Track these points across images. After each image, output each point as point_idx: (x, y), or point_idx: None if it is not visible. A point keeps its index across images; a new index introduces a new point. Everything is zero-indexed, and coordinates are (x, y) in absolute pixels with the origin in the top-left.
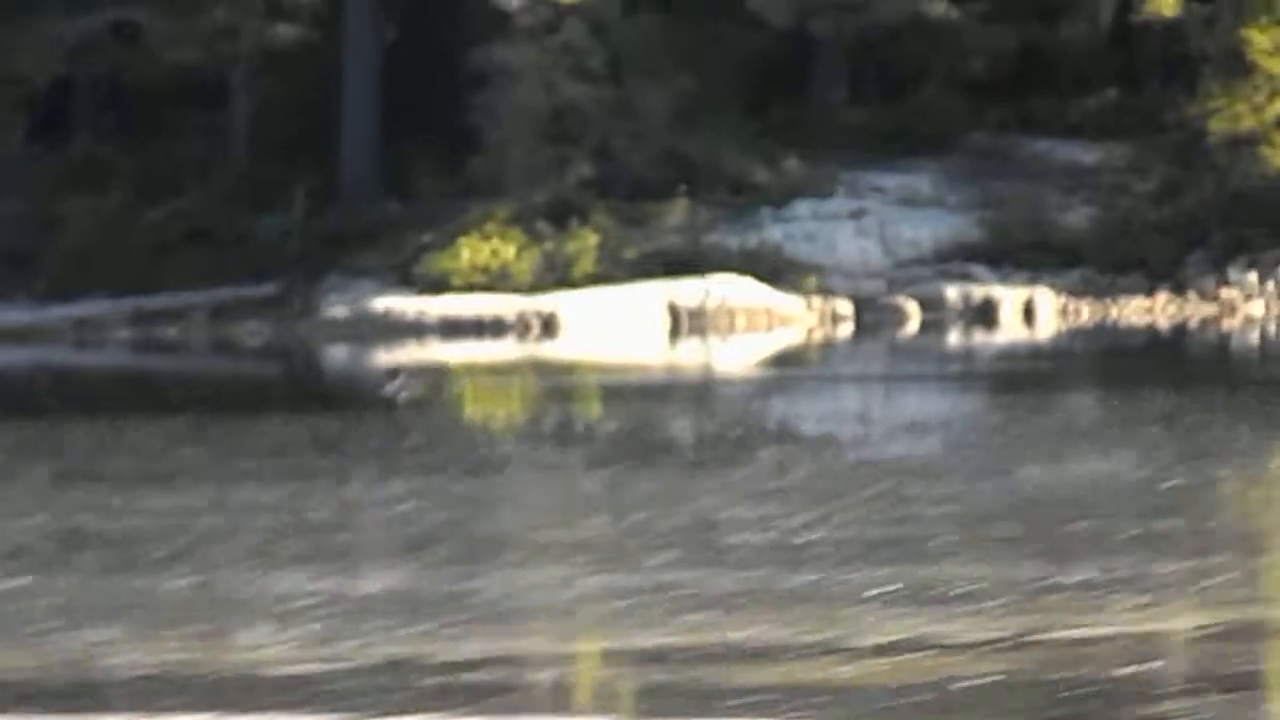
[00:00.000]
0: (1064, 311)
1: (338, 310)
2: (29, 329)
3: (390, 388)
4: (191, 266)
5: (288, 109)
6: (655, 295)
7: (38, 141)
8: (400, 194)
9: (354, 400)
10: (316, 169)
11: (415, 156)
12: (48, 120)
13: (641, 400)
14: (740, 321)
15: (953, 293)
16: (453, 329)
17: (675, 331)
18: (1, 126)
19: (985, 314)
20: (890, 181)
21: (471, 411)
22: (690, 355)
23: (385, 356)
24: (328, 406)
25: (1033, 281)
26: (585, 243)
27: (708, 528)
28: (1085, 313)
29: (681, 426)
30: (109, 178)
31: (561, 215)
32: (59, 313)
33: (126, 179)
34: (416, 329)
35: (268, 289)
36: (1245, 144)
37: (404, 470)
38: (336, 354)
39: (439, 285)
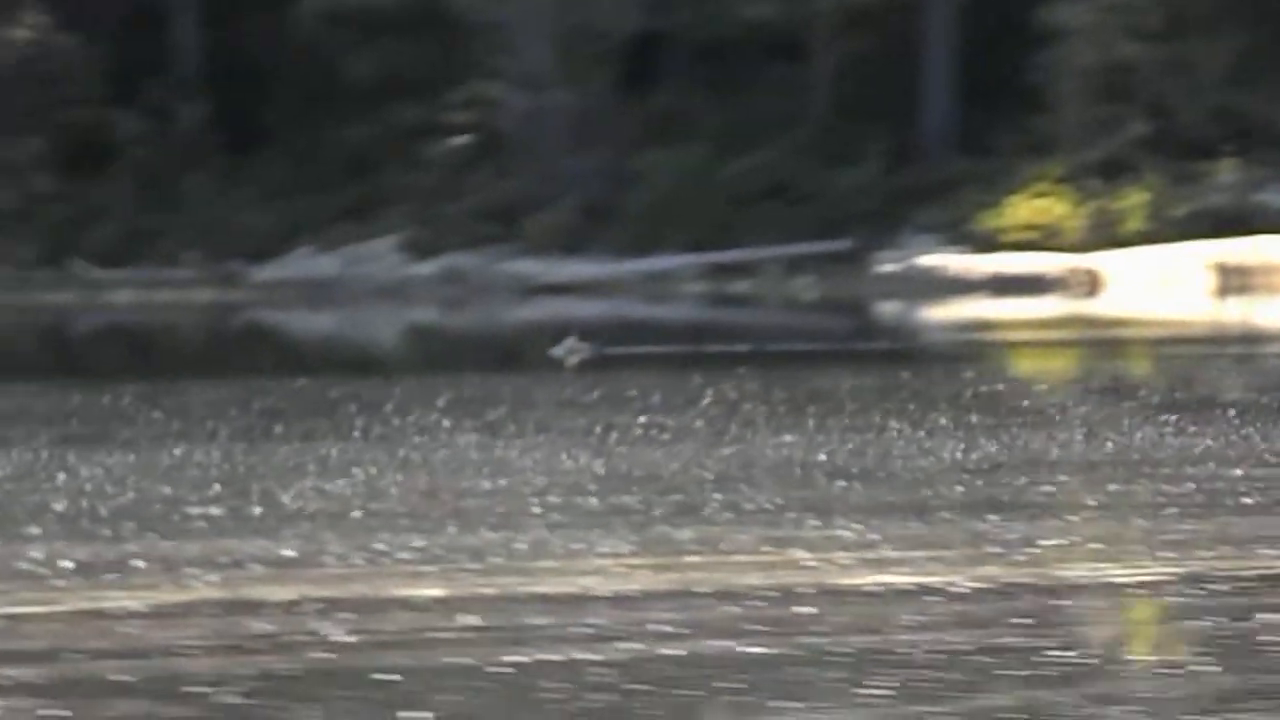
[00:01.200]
0: None
1: (889, 266)
2: (604, 282)
3: (559, 350)
4: (767, 221)
5: (867, 66)
6: (1200, 253)
7: (622, 95)
8: (971, 152)
9: (917, 354)
10: (894, 126)
11: (987, 115)
12: (633, 73)
13: (1188, 357)
14: None
15: None
16: (999, 286)
17: (1221, 290)
18: (585, 80)
19: None
20: None
21: (1023, 367)
22: (1235, 313)
23: (930, 312)
24: (894, 359)
25: None
26: (1135, 200)
27: None
28: None
29: (1233, 384)
30: (690, 132)
31: (1113, 173)
32: (634, 266)
33: (708, 133)
34: (963, 285)
35: (841, 244)
36: None
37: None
38: (888, 309)
39: (990, 243)
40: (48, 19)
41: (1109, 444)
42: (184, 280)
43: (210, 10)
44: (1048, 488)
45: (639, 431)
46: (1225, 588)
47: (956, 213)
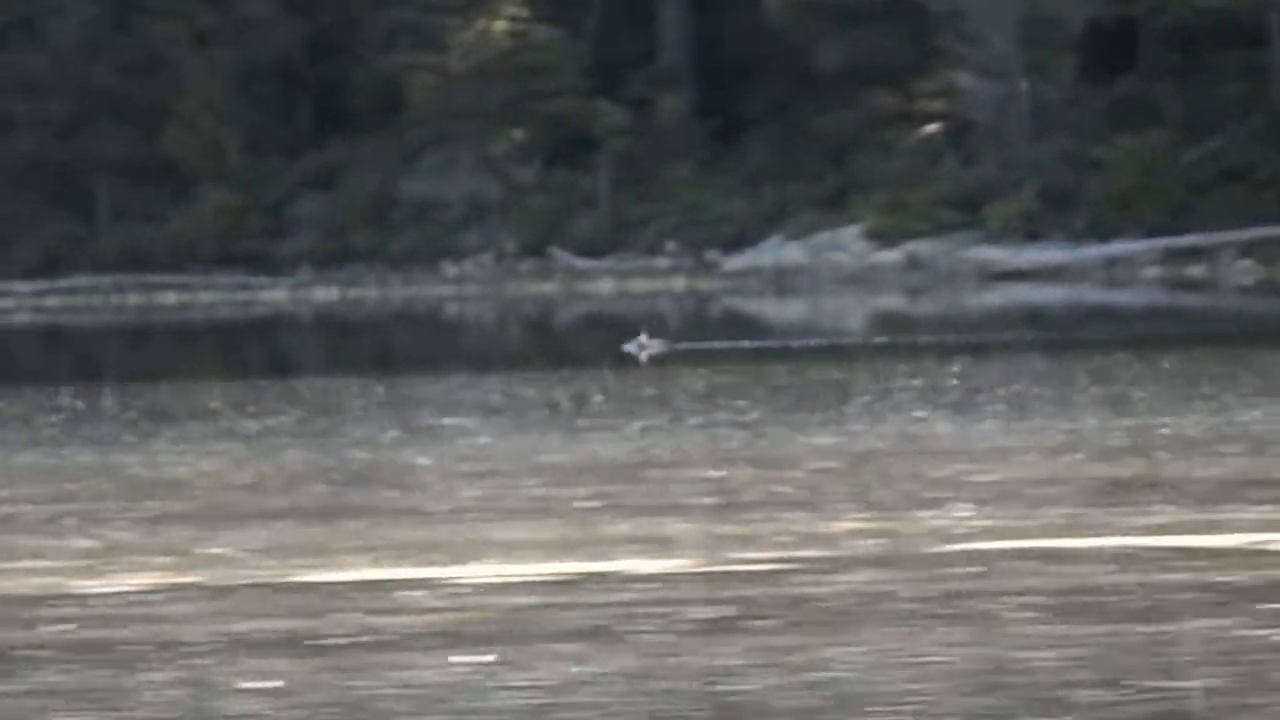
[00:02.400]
0: None
1: None
2: (1063, 267)
3: (631, 346)
4: (1227, 206)
5: None
6: None
7: (1083, 83)
8: None
9: None
10: None
11: None
12: (1094, 61)
13: None
14: None
15: None
16: None
17: None
18: (1046, 68)
19: None
20: None
21: None
22: None
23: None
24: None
25: None
26: None
27: None
28: None
29: None
30: (1151, 119)
31: None
32: (1094, 252)
33: (1169, 120)
34: None
35: None
36: None
37: None
38: None
39: None
40: (528, 11)
41: None
42: (661, 269)
43: (693, 1)
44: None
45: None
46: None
47: None
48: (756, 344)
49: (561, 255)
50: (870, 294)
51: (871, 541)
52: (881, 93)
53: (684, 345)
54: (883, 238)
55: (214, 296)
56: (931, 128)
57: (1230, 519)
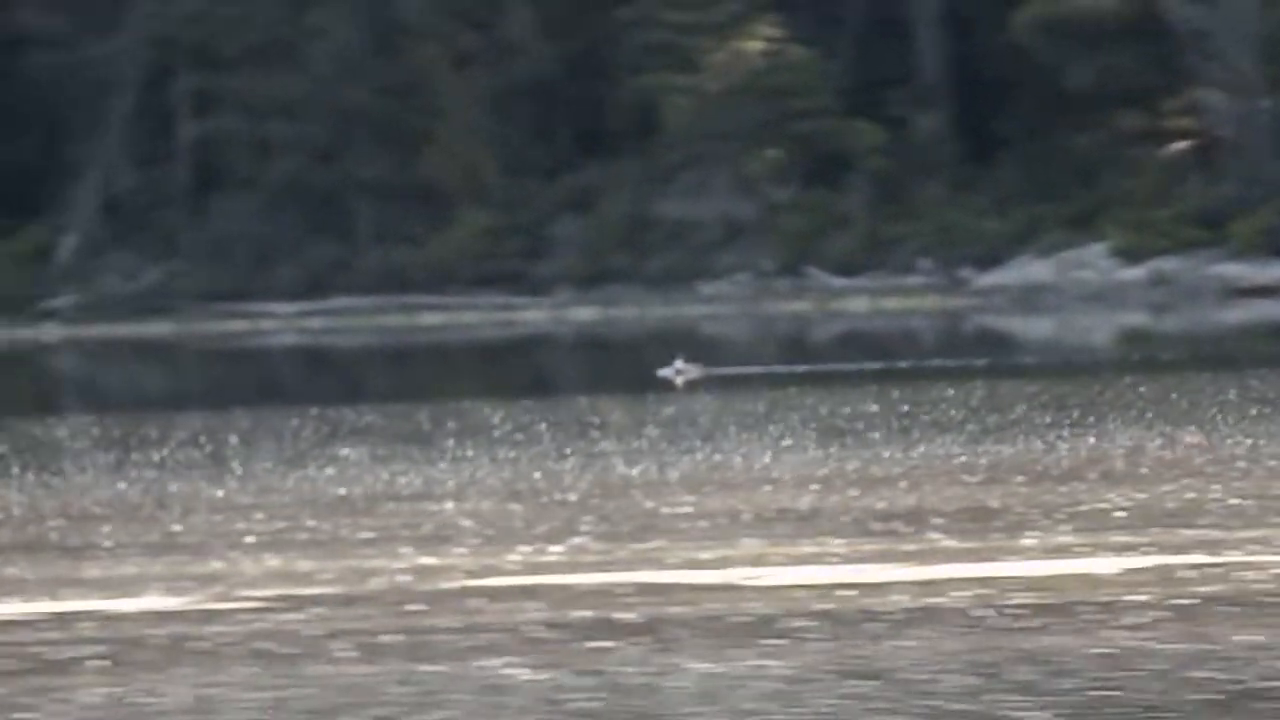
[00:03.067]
0: None
1: None
2: None
3: (667, 371)
4: None
5: None
6: None
7: None
8: None
9: None
10: None
11: None
12: None
13: None
14: None
15: None
16: None
17: None
18: None
19: None
20: None
21: None
22: None
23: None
24: None
25: None
26: None
27: None
28: None
29: None
30: None
31: None
32: None
33: None
34: None
35: None
36: None
37: None
38: None
39: None
40: (783, 32)
41: None
42: (914, 287)
43: (948, 21)
44: None
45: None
46: None
47: None
48: (791, 369)
49: (817, 274)
50: (1115, 310)
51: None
52: (1128, 112)
53: (720, 370)
54: (1128, 255)
55: (474, 317)
56: (1177, 145)
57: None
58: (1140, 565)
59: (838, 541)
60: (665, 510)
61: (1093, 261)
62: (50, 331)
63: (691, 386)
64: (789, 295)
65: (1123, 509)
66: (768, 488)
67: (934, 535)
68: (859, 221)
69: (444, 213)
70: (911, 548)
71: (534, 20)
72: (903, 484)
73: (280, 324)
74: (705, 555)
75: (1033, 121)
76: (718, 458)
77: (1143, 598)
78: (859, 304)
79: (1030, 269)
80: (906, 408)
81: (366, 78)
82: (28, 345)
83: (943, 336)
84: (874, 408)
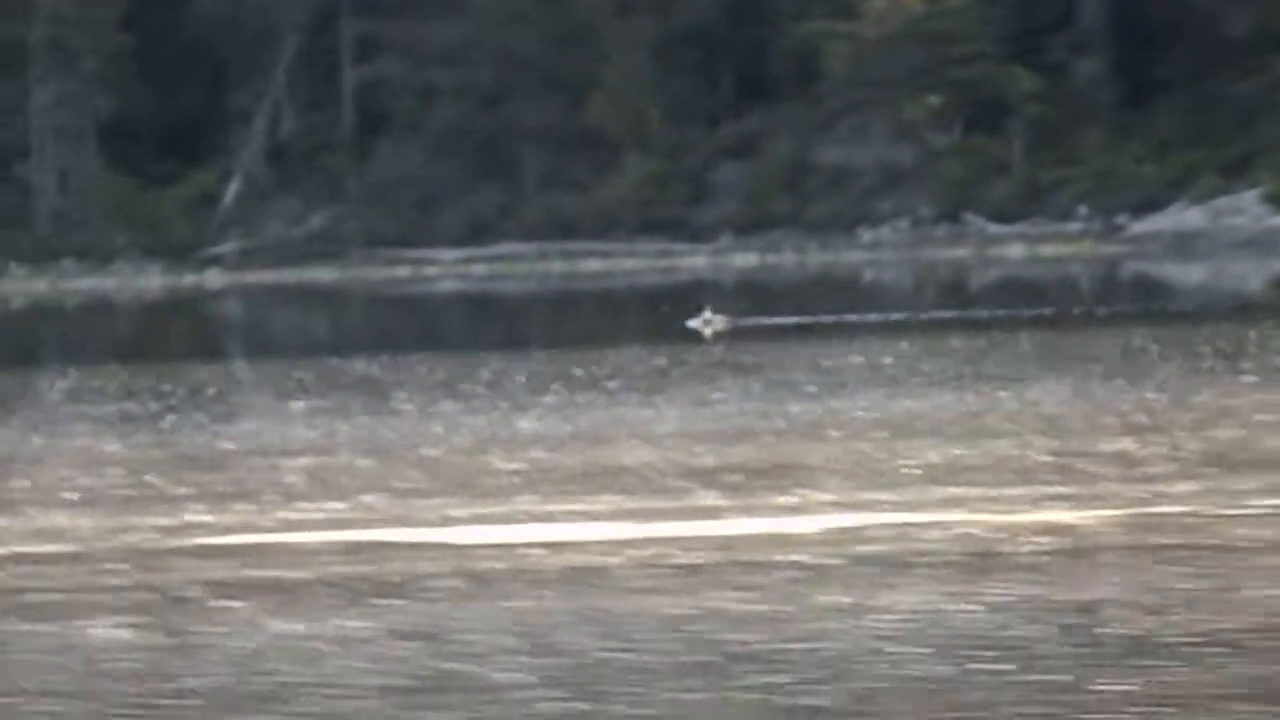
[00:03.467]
0: None
1: None
2: None
3: (695, 322)
4: None
5: None
6: None
7: None
8: None
9: None
10: None
11: None
12: None
13: None
14: None
15: None
16: None
17: None
18: None
19: None
20: None
21: None
22: None
23: None
24: None
25: None
26: None
27: None
28: None
29: None
30: None
31: None
32: None
33: None
34: None
35: None
36: None
37: None
38: None
39: None
40: None
41: None
42: (1070, 234)
43: None
44: None
45: None
46: None
47: None
48: (813, 319)
49: (975, 220)
50: (1267, 258)
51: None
52: None
53: (748, 321)
54: None
55: (636, 264)
56: None
57: None
58: (842, 524)
59: (583, 500)
60: (498, 466)
61: (1246, 208)
62: (214, 278)
63: (718, 338)
64: (947, 241)
65: (924, 467)
66: (637, 443)
67: (705, 492)
68: (1017, 168)
69: (607, 159)
70: (655, 505)
71: None
72: (770, 439)
73: (443, 270)
74: (420, 511)
75: (1190, 68)
76: (648, 413)
77: (796, 557)
78: (1016, 250)
79: (1185, 216)
80: (891, 360)
81: (531, 24)
82: (192, 292)
83: (1099, 283)
84: (859, 359)
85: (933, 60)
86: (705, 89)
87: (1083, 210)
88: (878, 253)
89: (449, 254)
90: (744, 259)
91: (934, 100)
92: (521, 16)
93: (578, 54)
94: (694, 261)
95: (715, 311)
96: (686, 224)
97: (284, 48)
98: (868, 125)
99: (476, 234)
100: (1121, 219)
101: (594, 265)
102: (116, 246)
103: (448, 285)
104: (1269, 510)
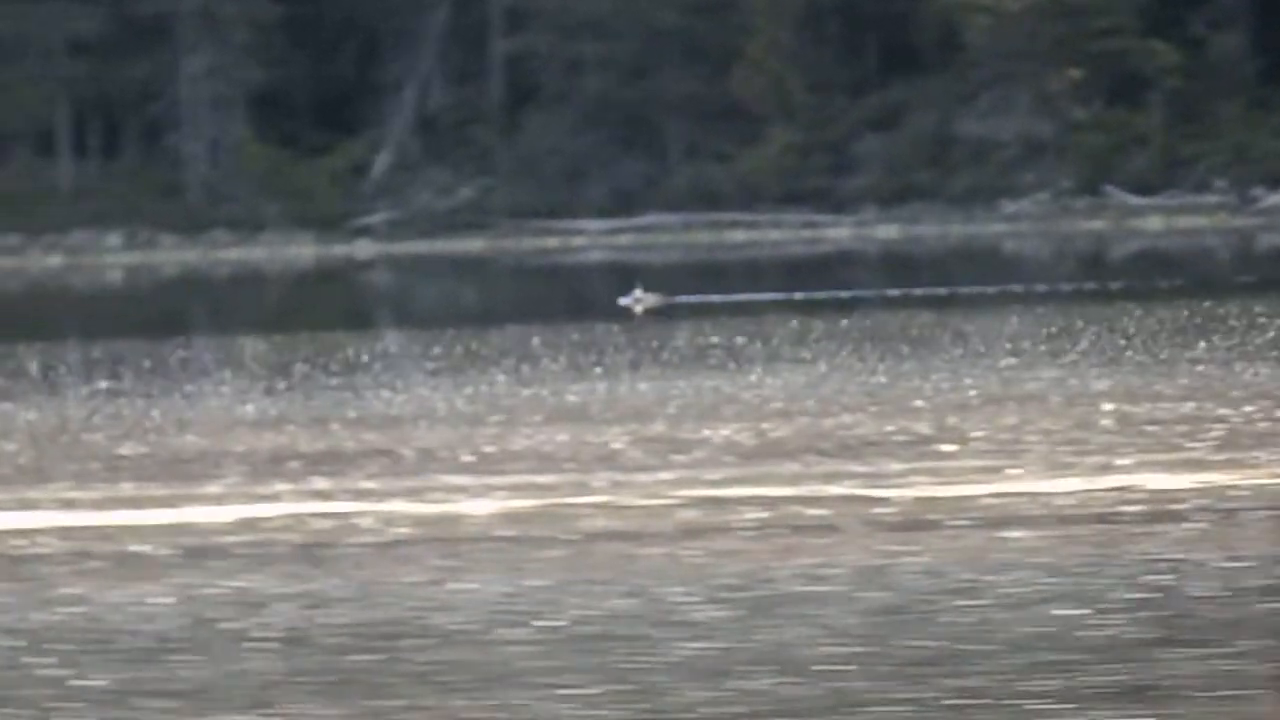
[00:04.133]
0: None
1: None
2: None
3: (626, 299)
4: None
5: None
6: None
7: None
8: None
9: None
10: None
11: None
12: None
13: None
14: None
15: None
16: None
17: None
18: None
19: None
20: None
21: None
22: None
23: None
24: None
25: None
26: None
27: None
28: None
29: None
30: None
31: None
32: None
33: None
34: None
35: None
36: None
37: None
38: None
39: None
40: None
41: None
42: (1208, 206)
43: None
44: None
45: None
46: None
47: None
48: (751, 297)
49: (1115, 193)
50: None
51: None
52: None
53: (681, 299)
54: None
55: (780, 234)
56: None
57: None
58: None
59: (279, 484)
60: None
61: None
62: (364, 248)
63: (649, 315)
64: (1087, 213)
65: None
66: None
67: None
68: (1156, 140)
69: (752, 130)
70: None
71: None
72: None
73: (590, 240)
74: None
75: None
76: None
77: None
78: (1154, 223)
79: None
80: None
81: None
82: (341, 262)
83: (1238, 255)
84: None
85: (1073, 33)
86: (848, 60)
87: (1219, 183)
88: (1018, 224)
89: (595, 225)
90: (886, 230)
91: (1075, 73)
92: None
93: (721, 25)
94: (837, 233)
95: (646, 290)
96: (829, 195)
97: (434, 19)
98: (1009, 98)
99: (622, 205)
100: (1257, 192)
101: (739, 236)
102: (267, 216)
103: (594, 256)
104: None
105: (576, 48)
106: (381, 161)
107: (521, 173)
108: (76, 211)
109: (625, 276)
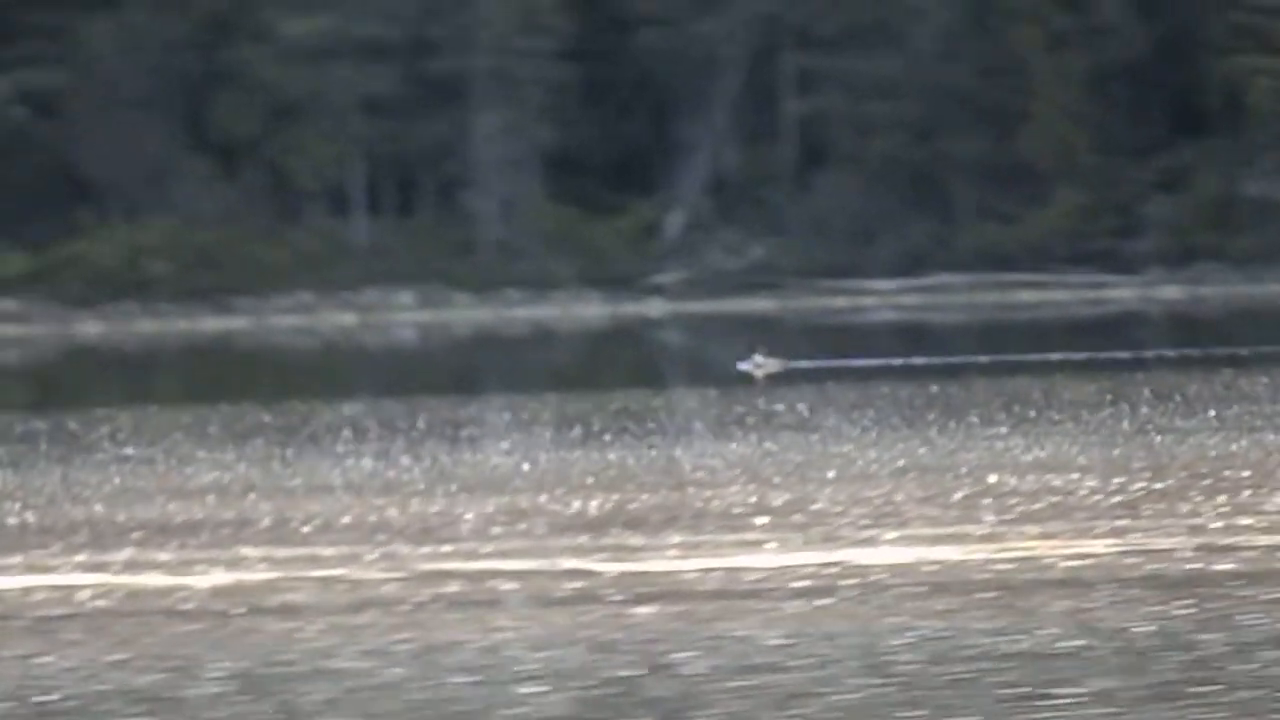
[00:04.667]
0: None
1: None
2: None
3: (746, 365)
4: None
5: None
6: None
7: None
8: None
9: None
10: None
11: None
12: None
13: None
14: None
15: None
16: None
17: None
18: None
19: None
20: None
21: None
22: None
23: None
24: None
25: None
26: None
27: None
28: None
29: None
30: None
31: None
32: None
33: None
34: None
35: None
36: None
37: None
38: None
39: None
40: None
41: None
42: None
43: None
44: None
45: None
46: None
47: None
48: (871, 363)
49: None
50: None
51: None
52: None
53: (800, 364)
54: None
55: (1066, 295)
56: None
57: None
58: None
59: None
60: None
61: None
62: (656, 306)
63: (771, 380)
64: None
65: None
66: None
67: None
68: None
69: (1039, 191)
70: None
71: (1126, 2)
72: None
73: (880, 300)
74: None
75: None
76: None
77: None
78: None
79: None
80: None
81: (964, 58)
82: (633, 320)
83: None
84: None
85: None
86: (1134, 122)
87: None
88: None
89: (884, 284)
90: (1172, 291)
91: None
92: (954, 51)
93: (1008, 86)
94: (1122, 293)
95: (766, 355)
96: (1116, 255)
97: (727, 81)
98: None
99: (912, 265)
100: None
101: (1026, 296)
102: (558, 275)
103: (884, 315)
104: None
105: (866, 109)
106: (674, 221)
107: (811, 232)
108: (369, 269)
109: (915, 336)
